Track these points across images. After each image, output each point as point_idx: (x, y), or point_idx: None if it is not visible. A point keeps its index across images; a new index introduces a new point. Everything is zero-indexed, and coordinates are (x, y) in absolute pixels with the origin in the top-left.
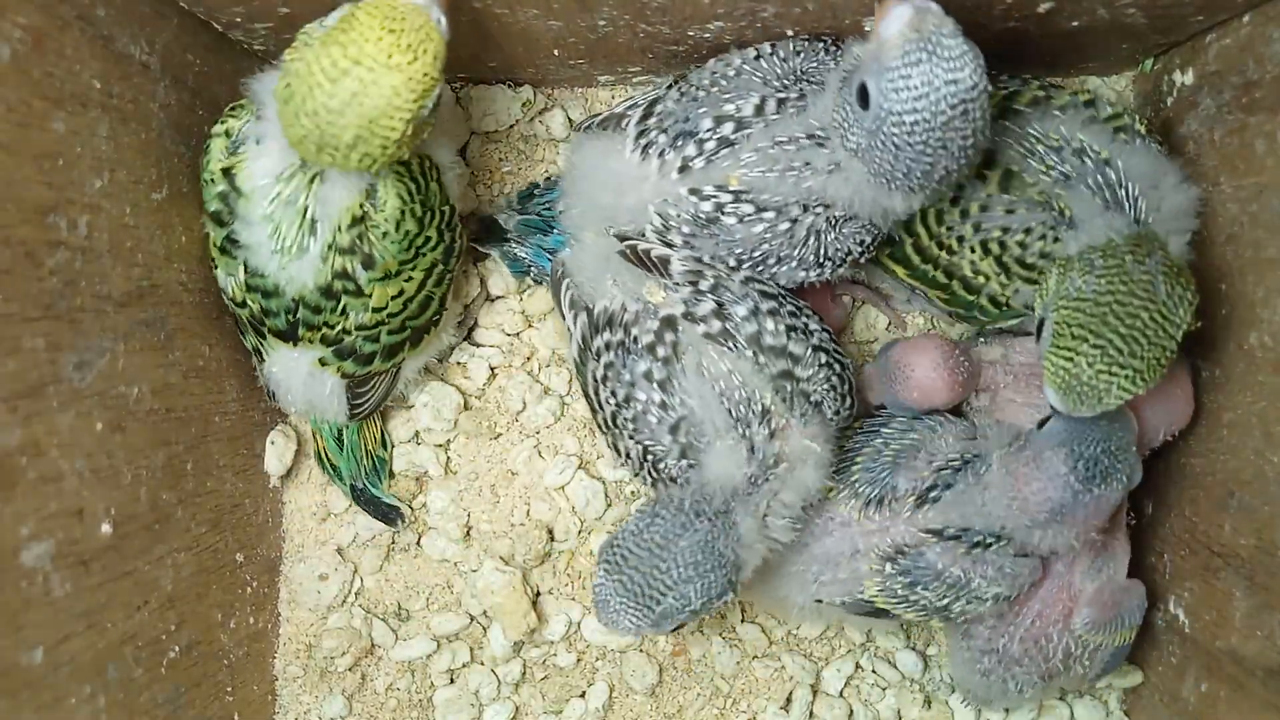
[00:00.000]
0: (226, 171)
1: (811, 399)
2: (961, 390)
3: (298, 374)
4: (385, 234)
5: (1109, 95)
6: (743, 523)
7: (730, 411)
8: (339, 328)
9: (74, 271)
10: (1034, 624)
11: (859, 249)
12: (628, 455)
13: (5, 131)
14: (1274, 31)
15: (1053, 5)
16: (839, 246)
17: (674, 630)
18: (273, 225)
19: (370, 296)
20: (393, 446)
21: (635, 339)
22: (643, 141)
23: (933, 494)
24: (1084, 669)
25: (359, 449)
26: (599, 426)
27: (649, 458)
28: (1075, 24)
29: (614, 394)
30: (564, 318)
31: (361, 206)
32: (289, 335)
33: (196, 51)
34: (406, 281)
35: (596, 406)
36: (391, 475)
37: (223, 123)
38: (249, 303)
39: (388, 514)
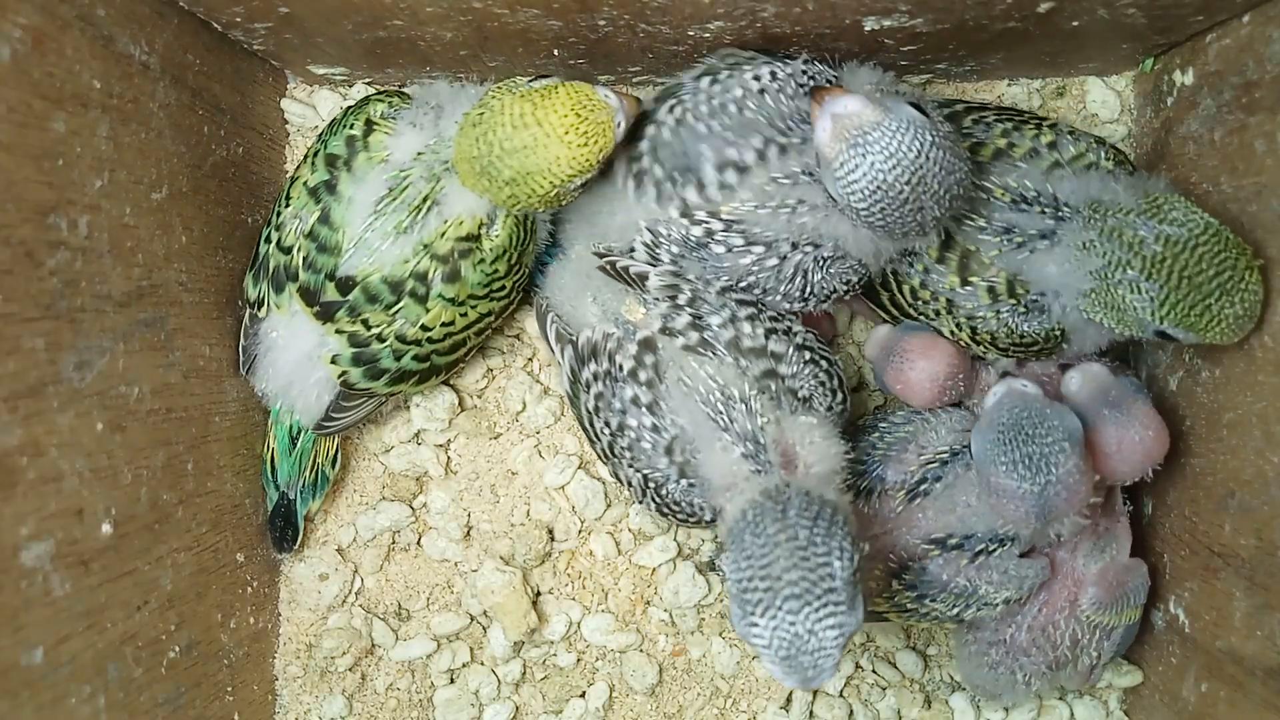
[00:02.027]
0: (370, 123)
1: (800, 394)
2: (939, 403)
3: (294, 349)
4: (481, 260)
5: (1099, 108)
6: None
7: (709, 415)
8: (376, 330)
9: (74, 271)
10: (1041, 612)
11: (845, 288)
12: (629, 483)
13: (5, 131)
14: (1274, 31)
15: (1053, 5)
16: (825, 285)
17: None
18: (385, 195)
19: (429, 311)
20: (339, 470)
21: (620, 366)
22: (635, 169)
23: (922, 487)
24: (1091, 659)
25: (308, 458)
26: (598, 456)
27: (650, 485)
28: (1075, 24)
29: (607, 424)
30: (552, 351)
31: (480, 227)
32: (316, 301)
33: (196, 51)
34: (463, 315)
35: (593, 437)
36: (325, 500)
37: (386, 96)
38: (298, 249)
39: (285, 538)
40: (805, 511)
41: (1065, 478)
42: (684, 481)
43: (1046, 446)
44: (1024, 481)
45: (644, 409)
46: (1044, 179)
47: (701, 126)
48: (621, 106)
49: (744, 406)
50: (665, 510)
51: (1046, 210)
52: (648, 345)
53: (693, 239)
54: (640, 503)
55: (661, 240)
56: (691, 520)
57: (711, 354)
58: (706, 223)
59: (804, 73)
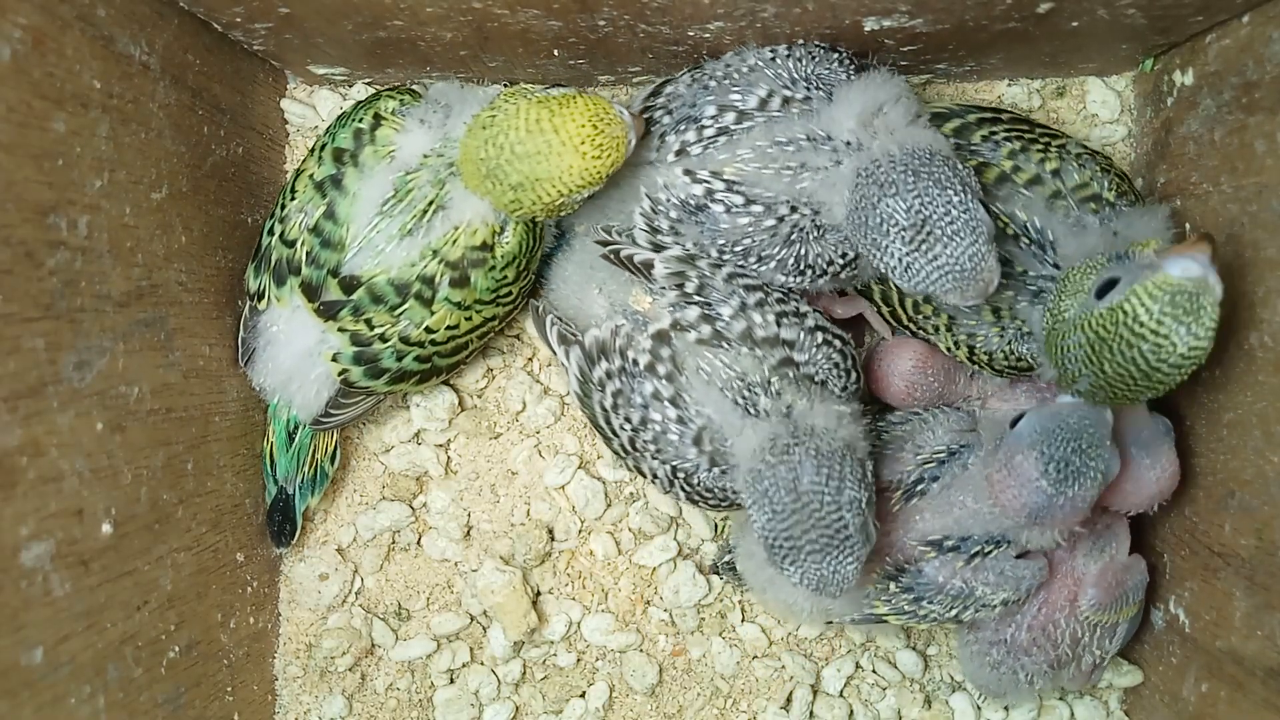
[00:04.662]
0: (378, 117)
1: (816, 379)
2: (911, 402)
3: (294, 344)
4: (492, 267)
5: (1099, 108)
6: (835, 429)
7: (735, 402)
8: (379, 330)
9: (74, 271)
10: (1040, 611)
11: (841, 260)
12: (654, 476)
13: (5, 131)
14: (1274, 31)
15: (1053, 5)
16: (820, 253)
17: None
18: (391, 196)
19: (434, 314)
20: (338, 466)
21: (635, 361)
22: (645, 118)
23: (919, 487)
24: (1094, 657)
25: (306, 453)
26: (615, 453)
27: (679, 475)
28: (1075, 24)
29: (628, 420)
30: (554, 353)
31: (494, 235)
32: (318, 298)
33: (196, 51)
34: (468, 320)
35: (611, 434)
36: (324, 497)
37: (396, 92)
38: (302, 244)
39: (284, 533)
40: (816, 478)
41: (1076, 500)
42: (715, 470)
43: (1087, 468)
44: (1045, 479)
45: (666, 402)
46: (1046, 211)
47: (713, 83)
48: (632, 124)
49: (766, 390)
50: (696, 498)
51: (1045, 262)
52: (662, 338)
53: (692, 200)
54: (667, 493)
55: (660, 207)
56: (724, 505)
57: (726, 345)
58: (708, 182)
59: (819, 46)
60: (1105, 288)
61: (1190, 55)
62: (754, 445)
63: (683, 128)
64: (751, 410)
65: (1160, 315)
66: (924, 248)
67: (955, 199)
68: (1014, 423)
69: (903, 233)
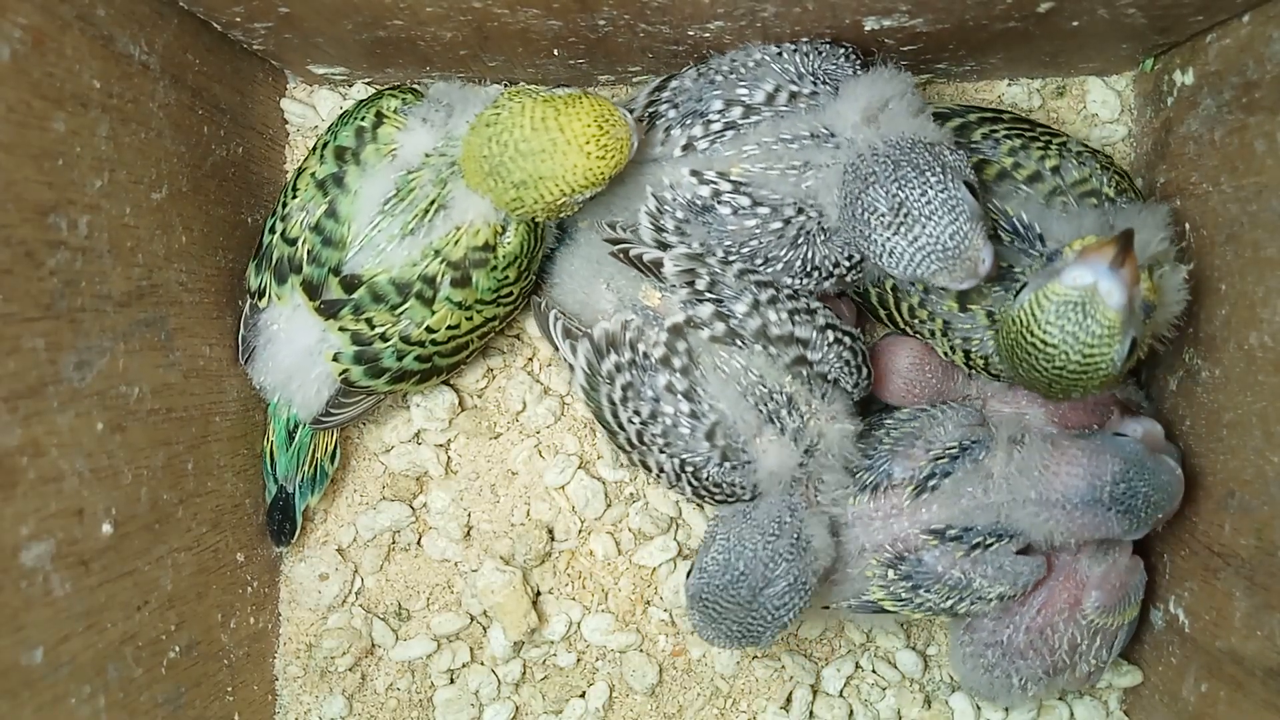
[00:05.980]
0: (380, 115)
1: (829, 377)
2: (911, 399)
3: (295, 343)
4: (493, 267)
5: (1099, 108)
6: (814, 534)
7: (758, 407)
8: (380, 330)
9: (74, 271)
10: (1040, 613)
11: (847, 263)
12: (660, 470)
13: (5, 131)
14: (1274, 31)
15: (1053, 5)
16: (826, 255)
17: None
18: (393, 195)
19: (434, 314)
20: (338, 465)
21: (646, 354)
22: (650, 111)
23: (931, 483)
24: (1089, 665)
25: (306, 452)
26: (620, 447)
27: (687, 469)
28: (1075, 24)
29: (637, 412)
30: (557, 349)
31: (496, 235)
32: (319, 297)
33: (196, 51)
34: (468, 320)
35: (617, 428)
36: (324, 496)
37: (399, 91)
38: (303, 242)
39: (284, 531)
40: (789, 589)
41: (1097, 522)
42: (726, 464)
43: (1136, 514)
44: (1109, 485)
45: (680, 396)
46: (1043, 207)
47: (719, 78)
48: (634, 126)
49: (788, 401)
50: (703, 492)
51: (1035, 257)
52: (678, 332)
53: (699, 201)
54: (672, 488)
55: (666, 207)
56: (730, 500)
57: (740, 344)
58: (715, 183)
59: (826, 41)
60: (1022, 290)
61: (1190, 55)
62: (779, 462)
63: (689, 122)
64: (775, 420)
65: (1046, 326)
66: (903, 230)
67: (932, 179)
68: (1118, 434)
69: (882, 218)
